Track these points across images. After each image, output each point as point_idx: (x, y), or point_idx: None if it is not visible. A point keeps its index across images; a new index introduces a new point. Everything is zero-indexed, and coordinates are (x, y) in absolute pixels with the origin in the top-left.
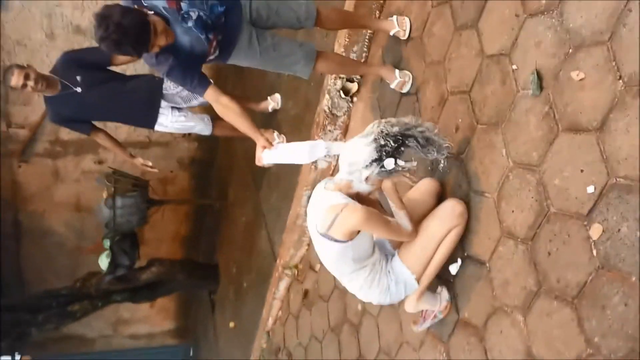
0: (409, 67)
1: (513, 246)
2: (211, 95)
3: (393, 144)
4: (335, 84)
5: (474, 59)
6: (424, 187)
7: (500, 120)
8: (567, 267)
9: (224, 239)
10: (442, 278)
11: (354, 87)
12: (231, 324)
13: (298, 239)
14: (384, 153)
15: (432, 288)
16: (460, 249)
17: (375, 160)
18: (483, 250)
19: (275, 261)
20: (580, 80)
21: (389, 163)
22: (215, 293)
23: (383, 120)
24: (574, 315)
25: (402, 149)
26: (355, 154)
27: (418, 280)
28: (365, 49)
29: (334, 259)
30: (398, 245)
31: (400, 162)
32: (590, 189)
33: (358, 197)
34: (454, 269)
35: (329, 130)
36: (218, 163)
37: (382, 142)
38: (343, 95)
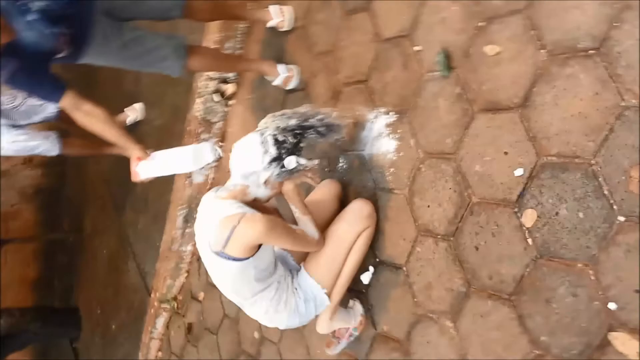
0: (294, 60)
1: (433, 244)
2: (69, 101)
3: (292, 140)
4: (207, 86)
5: (368, 44)
6: (324, 190)
7: (405, 108)
8: (500, 261)
9: (83, 278)
10: (354, 290)
11: (229, 88)
12: None
13: (175, 267)
14: (284, 150)
15: (343, 303)
16: (371, 254)
17: (274, 160)
18: (397, 253)
19: (149, 295)
20: (496, 54)
21: (290, 162)
22: (77, 340)
23: (277, 114)
24: (514, 313)
25: (302, 144)
26: (250, 155)
27: (329, 294)
28: (239, 45)
29: (233, 281)
30: (302, 258)
31: (302, 160)
32: (519, 172)
33: (255, 205)
34: (366, 278)
35: (203, 139)
36: (69, 190)
37: (280, 138)
38: (217, 99)
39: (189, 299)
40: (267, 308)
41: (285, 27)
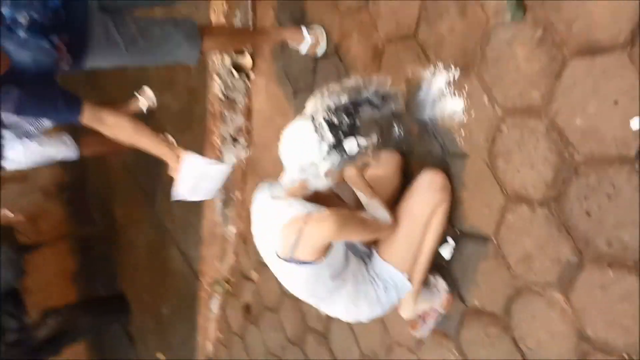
0: (319, 20)
1: (528, 212)
2: (90, 116)
3: (348, 120)
4: (223, 62)
5: None
6: (383, 163)
7: (471, 61)
8: (621, 226)
9: (123, 267)
10: (434, 265)
11: (247, 61)
12: (160, 356)
13: (221, 250)
14: (342, 134)
15: (424, 282)
16: (449, 227)
17: (333, 147)
18: (483, 223)
19: (197, 280)
20: None
21: (352, 146)
22: (129, 325)
23: (325, 92)
24: None
25: (358, 122)
26: (305, 145)
27: (410, 278)
28: (250, 13)
29: (307, 285)
30: (373, 242)
31: (362, 141)
32: (636, 123)
33: (316, 197)
34: (446, 251)
35: (230, 119)
36: (92, 183)
37: (336, 121)
38: (236, 74)
39: (242, 280)
40: (346, 304)
41: None
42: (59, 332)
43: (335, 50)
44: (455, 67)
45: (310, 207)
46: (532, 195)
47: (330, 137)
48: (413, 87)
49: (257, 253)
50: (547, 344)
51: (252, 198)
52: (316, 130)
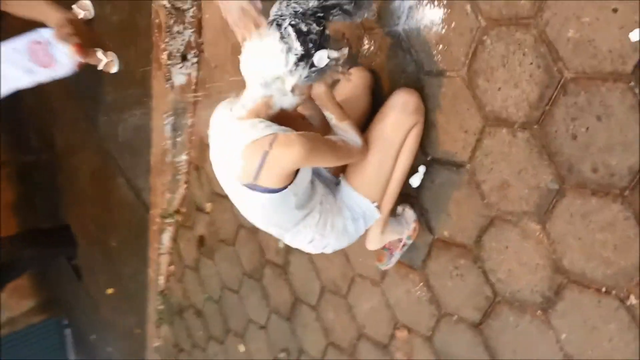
0: None
1: (508, 135)
2: None
3: (317, 27)
4: None
5: None
6: (351, 82)
7: None
8: (609, 150)
9: (67, 196)
10: (402, 194)
11: None
12: (109, 290)
13: (172, 179)
14: (311, 44)
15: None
16: (421, 153)
17: (301, 58)
18: (458, 148)
19: (147, 211)
20: None
21: (322, 57)
22: (75, 258)
23: None
24: (629, 211)
25: (327, 30)
26: (270, 56)
27: (379, 207)
28: None
29: (271, 214)
30: (340, 169)
31: (333, 53)
32: (636, 35)
33: (281, 118)
34: (415, 180)
35: (177, 32)
36: (27, 106)
37: (304, 28)
38: None
39: (194, 211)
40: (312, 236)
41: None
42: (2, 266)
43: None
44: None
45: (275, 128)
46: (514, 117)
47: (298, 47)
48: None
49: (210, 183)
50: (520, 275)
51: (210, 119)
52: (282, 38)
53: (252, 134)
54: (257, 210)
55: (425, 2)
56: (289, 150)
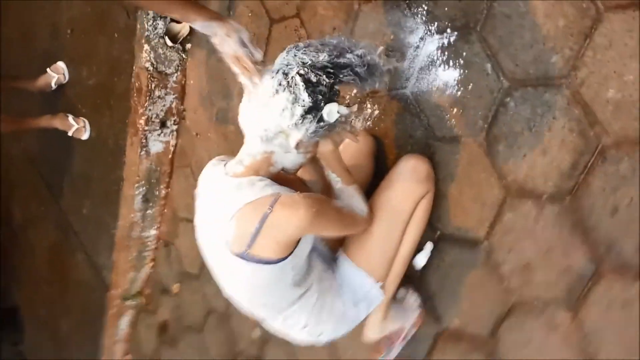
0: None
1: (534, 209)
2: None
3: (327, 80)
4: (155, 27)
5: None
6: (353, 146)
7: (472, 20)
8: None
9: (19, 274)
10: (405, 275)
11: (183, 28)
12: None
13: (138, 256)
14: (320, 96)
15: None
16: (428, 228)
17: (309, 110)
18: (472, 223)
19: (107, 292)
20: None
21: (331, 111)
22: (21, 343)
23: (301, 45)
24: None
25: (337, 87)
26: (274, 106)
27: (383, 288)
28: None
29: (264, 292)
30: (338, 242)
31: (343, 109)
32: None
33: (279, 180)
34: (421, 259)
35: (158, 97)
36: None
37: (313, 78)
38: (170, 43)
39: (159, 293)
40: (307, 320)
41: None
42: None
43: (296, 12)
44: (453, 28)
45: (277, 187)
46: (541, 187)
47: (306, 97)
48: (395, 54)
49: (180, 261)
50: None
51: (199, 178)
52: (289, 86)
53: (249, 194)
54: (247, 286)
55: (438, 62)
56: (293, 214)
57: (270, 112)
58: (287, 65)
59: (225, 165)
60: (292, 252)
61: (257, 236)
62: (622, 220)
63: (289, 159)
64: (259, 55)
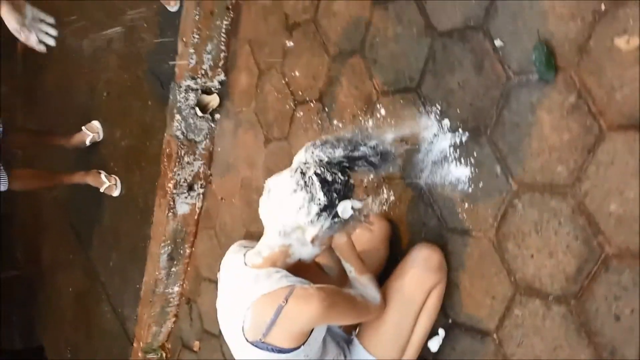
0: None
1: (542, 307)
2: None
3: (342, 178)
4: (187, 99)
5: (418, 39)
6: (369, 231)
7: (483, 123)
8: None
9: (46, 315)
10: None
11: (213, 99)
12: None
13: (161, 311)
14: (335, 194)
15: None
16: (441, 314)
17: (325, 208)
18: (483, 315)
19: (131, 344)
20: (635, 48)
21: (346, 209)
22: None
23: (317, 142)
24: None
25: (351, 181)
26: (292, 204)
27: None
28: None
29: None
30: (352, 325)
31: (357, 204)
32: None
33: (297, 266)
34: (434, 344)
35: (187, 163)
36: (19, 218)
37: (329, 178)
38: (200, 113)
39: (181, 348)
40: None
41: None
42: None
43: (319, 97)
44: (464, 129)
45: (293, 279)
46: (548, 288)
47: (322, 197)
48: (411, 147)
49: (202, 319)
50: None
51: (221, 262)
52: (306, 186)
53: (266, 285)
54: None
55: (450, 159)
56: (307, 307)
57: (288, 209)
58: (305, 164)
59: (245, 254)
60: (305, 342)
61: (272, 327)
62: (625, 327)
63: (306, 251)
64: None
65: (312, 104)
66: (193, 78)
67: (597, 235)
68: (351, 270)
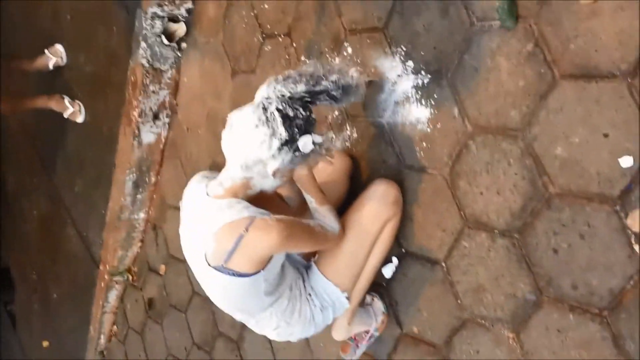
0: None
1: (487, 240)
2: None
3: (304, 113)
4: (153, 26)
5: None
6: (330, 166)
7: (445, 67)
8: (591, 269)
9: (11, 239)
10: (373, 284)
11: (180, 28)
12: (44, 343)
13: (127, 237)
14: (296, 129)
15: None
16: (395, 244)
17: (286, 143)
18: (434, 245)
19: (97, 267)
20: (593, 1)
21: (307, 143)
22: (11, 303)
23: (280, 78)
24: (607, 332)
25: (313, 115)
26: (254, 139)
27: (349, 297)
28: None
29: (237, 299)
30: (311, 252)
31: (318, 138)
32: (627, 161)
33: (258, 199)
34: (388, 270)
35: (152, 91)
36: None
37: (291, 113)
38: (167, 42)
39: (147, 272)
40: (278, 323)
41: None
42: None
43: (288, 32)
44: (427, 71)
45: (253, 210)
46: (494, 223)
47: (283, 132)
48: (375, 86)
49: (167, 244)
50: None
51: (183, 192)
52: (267, 121)
53: (228, 215)
54: (222, 294)
55: (412, 100)
56: (266, 236)
57: (250, 143)
58: (267, 99)
59: (207, 184)
60: (264, 267)
61: (233, 253)
62: (561, 260)
63: (267, 183)
64: None
65: (280, 38)
66: (160, 5)
67: (542, 176)
68: (312, 201)
